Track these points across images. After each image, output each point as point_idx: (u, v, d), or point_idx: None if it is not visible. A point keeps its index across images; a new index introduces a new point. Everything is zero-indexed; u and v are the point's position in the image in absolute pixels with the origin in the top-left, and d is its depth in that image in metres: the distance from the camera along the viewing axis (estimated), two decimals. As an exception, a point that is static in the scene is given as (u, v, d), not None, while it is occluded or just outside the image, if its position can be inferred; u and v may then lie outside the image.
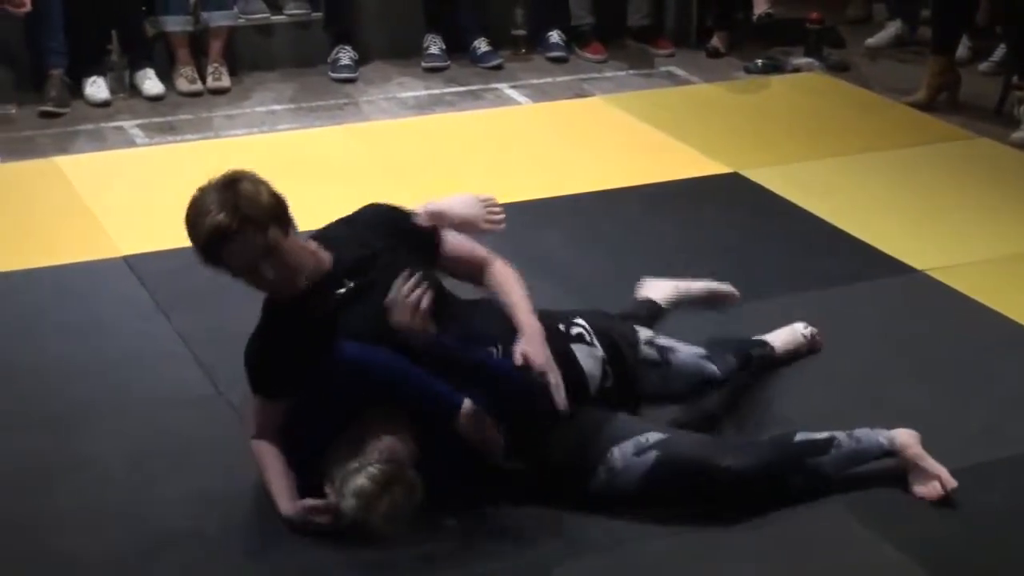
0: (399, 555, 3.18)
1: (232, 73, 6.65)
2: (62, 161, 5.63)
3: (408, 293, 3.11)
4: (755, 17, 7.39)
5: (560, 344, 3.44)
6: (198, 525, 3.32)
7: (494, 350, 3.33)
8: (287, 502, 3.27)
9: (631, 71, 6.98)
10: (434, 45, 6.94)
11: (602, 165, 5.59)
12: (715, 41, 7.19)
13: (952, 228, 5.03)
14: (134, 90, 6.45)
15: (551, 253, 4.74)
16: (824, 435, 3.43)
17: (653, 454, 3.33)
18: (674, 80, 6.88)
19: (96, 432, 3.72)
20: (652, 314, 3.91)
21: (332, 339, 3.22)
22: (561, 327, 3.51)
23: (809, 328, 4.06)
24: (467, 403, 3.22)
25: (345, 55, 6.77)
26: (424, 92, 6.63)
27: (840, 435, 3.43)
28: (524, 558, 3.21)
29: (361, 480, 3.13)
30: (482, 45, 6.97)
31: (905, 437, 3.45)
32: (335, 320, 3.27)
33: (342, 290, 3.32)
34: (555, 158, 5.69)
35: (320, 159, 5.65)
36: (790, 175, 5.47)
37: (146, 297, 4.47)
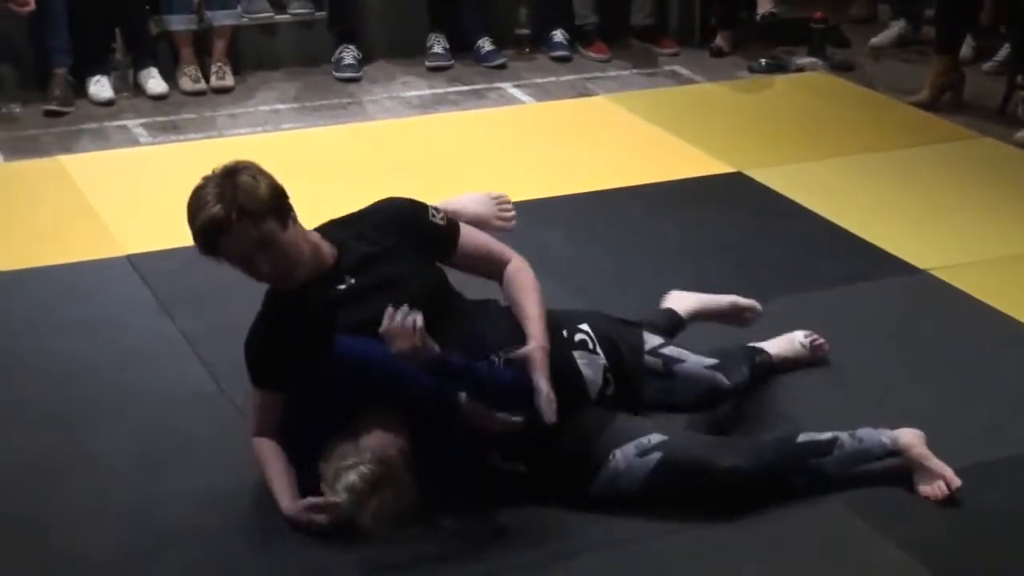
0: (400, 554, 3.18)
1: (236, 72, 6.65)
2: (66, 160, 5.64)
3: (400, 321, 3.08)
4: (759, 16, 7.42)
5: (562, 350, 3.43)
6: (201, 523, 3.32)
7: (495, 358, 3.30)
8: (288, 500, 3.27)
9: (635, 70, 6.98)
10: (438, 44, 6.94)
11: (605, 164, 5.59)
12: (719, 40, 7.19)
13: (956, 228, 5.02)
14: (138, 89, 6.45)
15: (554, 252, 4.74)
16: (827, 436, 3.42)
17: (656, 456, 3.32)
18: (678, 79, 6.88)
19: (99, 430, 3.73)
20: (672, 325, 3.89)
21: (329, 334, 3.22)
22: (564, 333, 3.50)
23: (809, 337, 3.99)
24: (463, 395, 3.21)
25: (349, 54, 6.77)
26: (428, 91, 6.63)
27: (843, 436, 3.42)
28: (524, 558, 3.21)
29: (352, 478, 3.13)
30: (486, 44, 6.97)
31: (909, 437, 3.44)
32: (333, 315, 3.27)
33: (342, 286, 3.32)
34: (558, 157, 5.69)
35: (324, 158, 5.65)
36: (794, 175, 5.46)
37: (149, 296, 4.48)
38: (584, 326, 3.55)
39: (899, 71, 6.90)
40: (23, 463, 3.59)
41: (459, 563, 3.18)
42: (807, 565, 3.22)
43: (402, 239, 3.40)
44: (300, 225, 3.30)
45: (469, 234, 3.51)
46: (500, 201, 3.92)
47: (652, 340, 3.66)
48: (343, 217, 3.49)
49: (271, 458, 3.34)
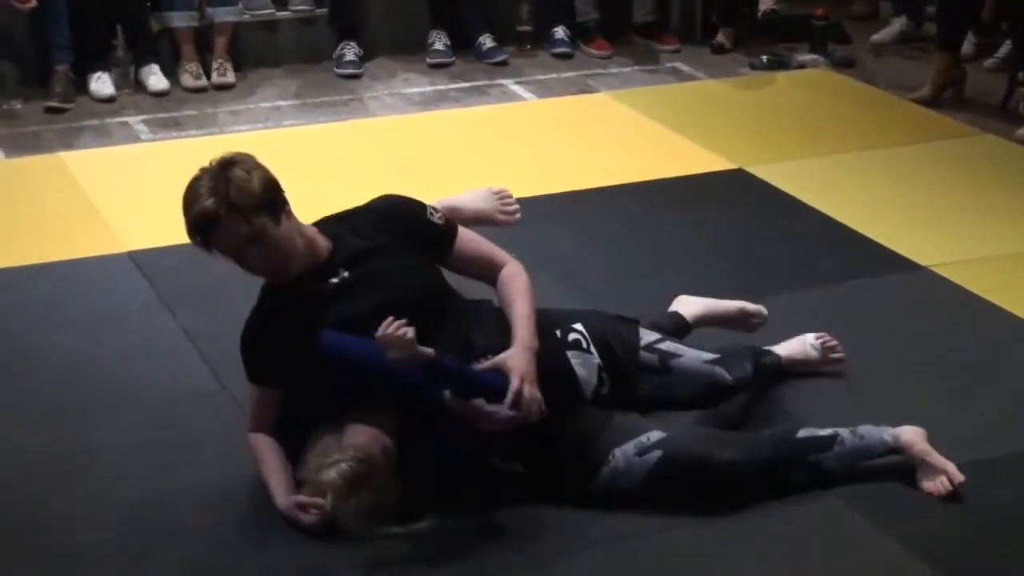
0: (400, 552, 3.18)
1: (237, 69, 6.65)
2: (67, 156, 5.64)
3: (393, 332, 3.08)
4: (760, 13, 7.41)
5: (555, 350, 3.42)
6: (201, 519, 3.32)
7: (484, 361, 3.26)
8: (282, 496, 3.27)
9: (636, 67, 6.98)
10: (439, 41, 6.94)
11: (606, 161, 5.59)
12: (720, 37, 7.19)
13: (957, 225, 5.02)
14: (139, 86, 6.45)
15: (555, 249, 4.74)
16: (827, 432, 3.42)
17: (656, 454, 3.32)
18: (679, 76, 6.88)
19: (100, 426, 3.73)
20: (678, 328, 3.87)
21: (318, 328, 3.22)
22: (558, 333, 3.48)
23: (820, 338, 3.94)
24: (447, 392, 3.19)
25: (350, 51, 6.77)
26: (429, 88, 6.63)
27: (843, 432, 3.42)
28: (523, 555, 3.21)
29: (332, 475, 3.14)
30: (487, 41, 6.97)
31: (910, 434, 3.44)
32: (323, 309, 3.27)
33: (336, 279, 3.32)
34: (560, 154, 5.69)
35: (325, 155, 5.65)
36: (795, 171, 5.46)
37: (150, 292, 4.48)
38: (578, 325, 3.53)
39: (900, 68, 6.90)
40: (24, 459, 3.59)
41: (458, 561, 3.18)
42: (807, 561, 3.22)
43: (398, 236, 3.40)
44: (295, 219, 3.30)
45: (467, 237, 3.50)
46: (502, 196, 3.92)
47: (648, 336, 3.63)
48: (341, 212, 3.49)
49: (267, 454, 3.34)
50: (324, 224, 3.43)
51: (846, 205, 5.12)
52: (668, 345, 3.63)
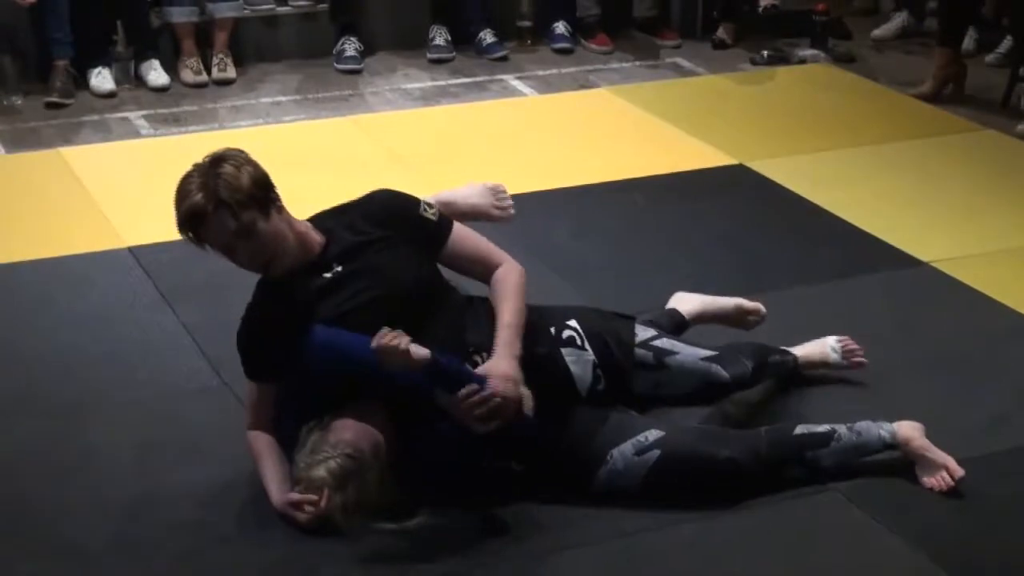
0: (398, 548, 3.18)
1: (237, 64, 6.65)
2: (67, 152, 5.63)
3: (388, 343, 3.07)
4: (761, 8, 7.41)
5: (549, 348, 3.42)
6: (201, 515, 3.32)
7: (478, 359, 3.27)
8: (278, 493, 3.27)
9: (637, 62, 6.98)
10: (440, 36, 6.93)
11: (607, 157, 5.59)
12: (721, 33, 7.19)
13: (958, 220, 5.02)
14: (139, 81, 6.45)
15: (555, 244, 4.73)
16: (824, 428, 3.42)
17: (655, 453, 3.31)
18: (680, 72, 6.88)
19: (101, 422, 3.73)
20: (676, 325, 3.86)
21: (310, 323, 3.21)
22: (552, 330, 3.47)
23: (841, 341, 3.86)
24: (437, 390, 3.18)
25: (350, 46, 6.76)
26: (429, 83, 6.63)
27: (841, 428, 3.42)
28: (522, 551, 3.21)
29: (321, 472, 3.14)
30: (488, 36, 6.97)
31: (907, 430, 3.43)
32: (316, 304, 3.26)
33: (329, 274, 3.31)
34: (560, 149, 5.68)
35: (325, 150, 5.65)
36: (796, 167, 5.46)
37: (151, 288, 4.47)
38: (572, 322, 3.51)
39: (901, 63, 6.90)
40: (24, 455, 3.59)
41: (454, 557, 3.18)
42: (808, 555, 3.22)
43: (392, 230, 3.38)
44: (287, 214, 3.30)
45: (463, 233, 3.48)
46: (498, 192, 3.91)
47: (644, 333, 3.61)
48: (334, 207, 3.48)
49: (264, 451, 3.35)
50: (317, 219, 3.43)
51: (847, 200, 5.12)
52: (664, 342, 3.62)
